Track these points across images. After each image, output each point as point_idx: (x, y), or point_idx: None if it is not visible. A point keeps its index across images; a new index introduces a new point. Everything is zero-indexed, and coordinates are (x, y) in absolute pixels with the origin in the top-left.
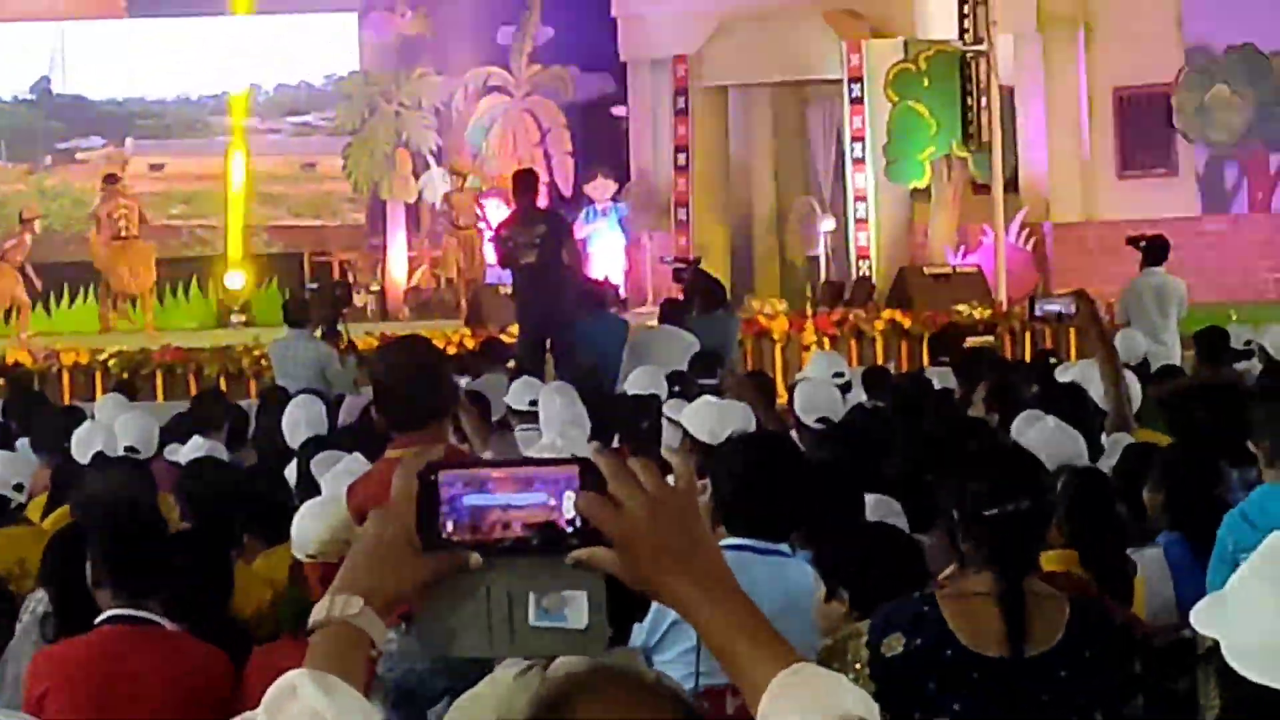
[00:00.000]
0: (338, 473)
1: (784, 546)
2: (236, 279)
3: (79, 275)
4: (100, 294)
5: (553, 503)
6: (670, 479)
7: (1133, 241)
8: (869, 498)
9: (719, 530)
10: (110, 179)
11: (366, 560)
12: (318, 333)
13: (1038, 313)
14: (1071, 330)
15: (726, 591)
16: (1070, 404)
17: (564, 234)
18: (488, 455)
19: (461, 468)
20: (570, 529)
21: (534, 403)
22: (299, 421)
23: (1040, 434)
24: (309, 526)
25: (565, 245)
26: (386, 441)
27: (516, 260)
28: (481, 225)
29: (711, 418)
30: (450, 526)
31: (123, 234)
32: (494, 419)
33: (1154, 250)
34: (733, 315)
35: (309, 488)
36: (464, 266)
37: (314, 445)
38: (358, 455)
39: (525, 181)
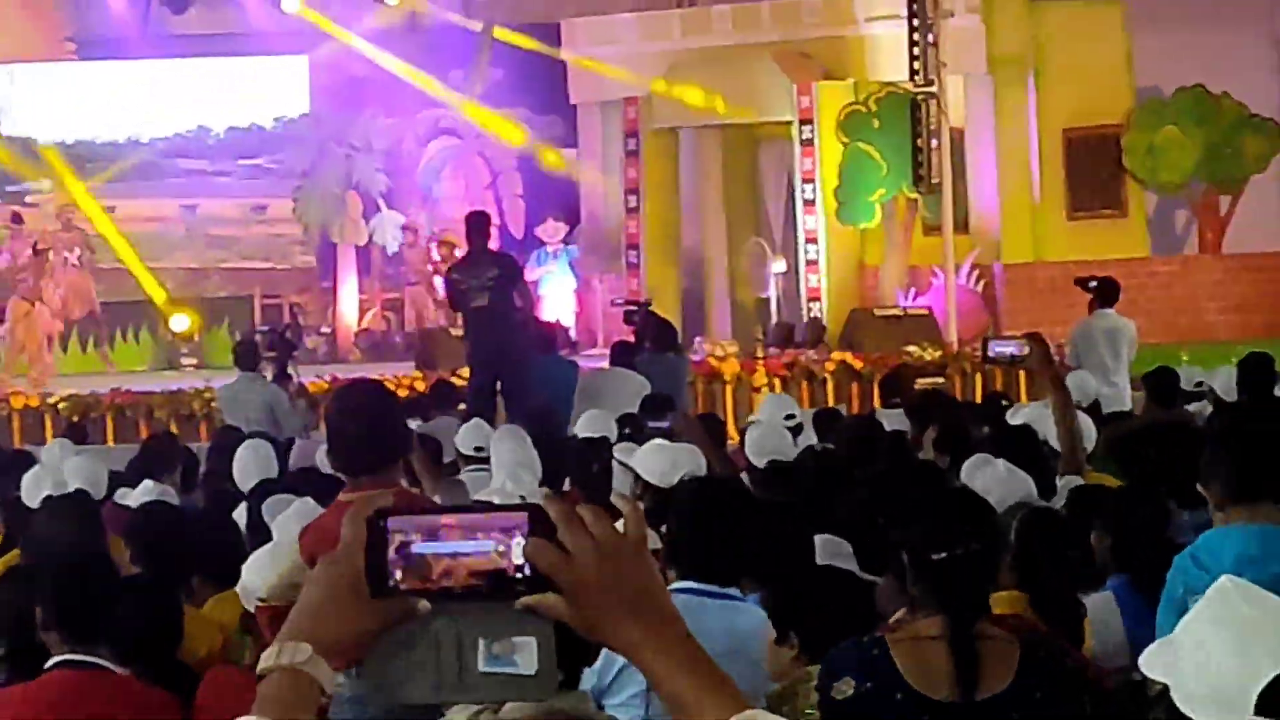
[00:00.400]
0: (288, 516)
1: (734, 590)
2: (181, 322)
3: None
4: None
5: (502, 550)
6: (620, 524)
7: (1081, 283)
8: (818, 539)
9: (670, 574)
10: (15, 219)
11: (315, 606)
12: (268, 375)
13: (990, 354)
14: (1022, 372)
15: (676, 636)
16: (1022, 446)
17: (516, 277)
18: (437, 499)
19: (411, 514)
20: (519, 575)
21: (480, 448)
22: (249, 465)
23: (990, 477)
24: (259, 570)
25: (517, 288)
26: (339, 485)
27: (468, 303)
28: (428, 268)
29: (662, 461)
30: (399, 574)
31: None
32: (446, 461)
33: (1105, 291)
34: (683, 357)
35: (259, 531)
36: (422, 315)
37: (264, 489)
38: (308, 499)
39: (478, 224)
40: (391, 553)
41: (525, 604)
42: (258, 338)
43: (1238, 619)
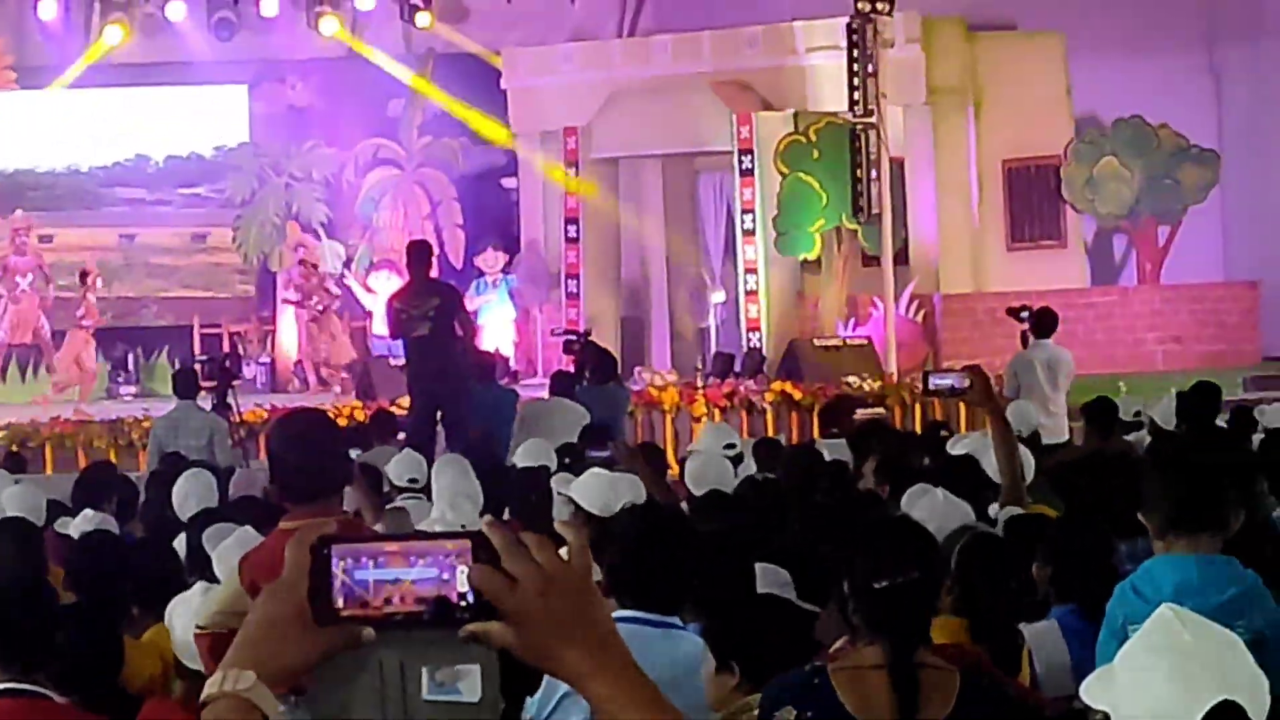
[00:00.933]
0: (228, 546)
1: (675, 619)
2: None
3: None
4: None
5: (445, 576)
6: (563, 552)
7: (1013, 312)
8: (758, 567)
9: (610, 602)
10: None
11: (259, 634)
12: (206, 405)
13: (930, 387)
14: (962, 403)
15: (619, 664)
16: (962, 476)
17: (457, 306)
18: (379, 528)
19: (354, 542)
20: (463, 603)
21: (415, 479)
22: (188, 494)
23: (929, 506)
24: (198, 598)
25: (458, 318)
26: (279, 514)
27: (409, 332)
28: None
29: (602, 490)
30: (342, 601)
31: None
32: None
33: (1042, 322)
34: (623, 387)
35: (199, 561)
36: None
37: (204, 518)
38: (248, 528)
39: (419, 253)
40: (335, 579)
41: (469, 632)
42: (197, 366)
43: (1178, 647)
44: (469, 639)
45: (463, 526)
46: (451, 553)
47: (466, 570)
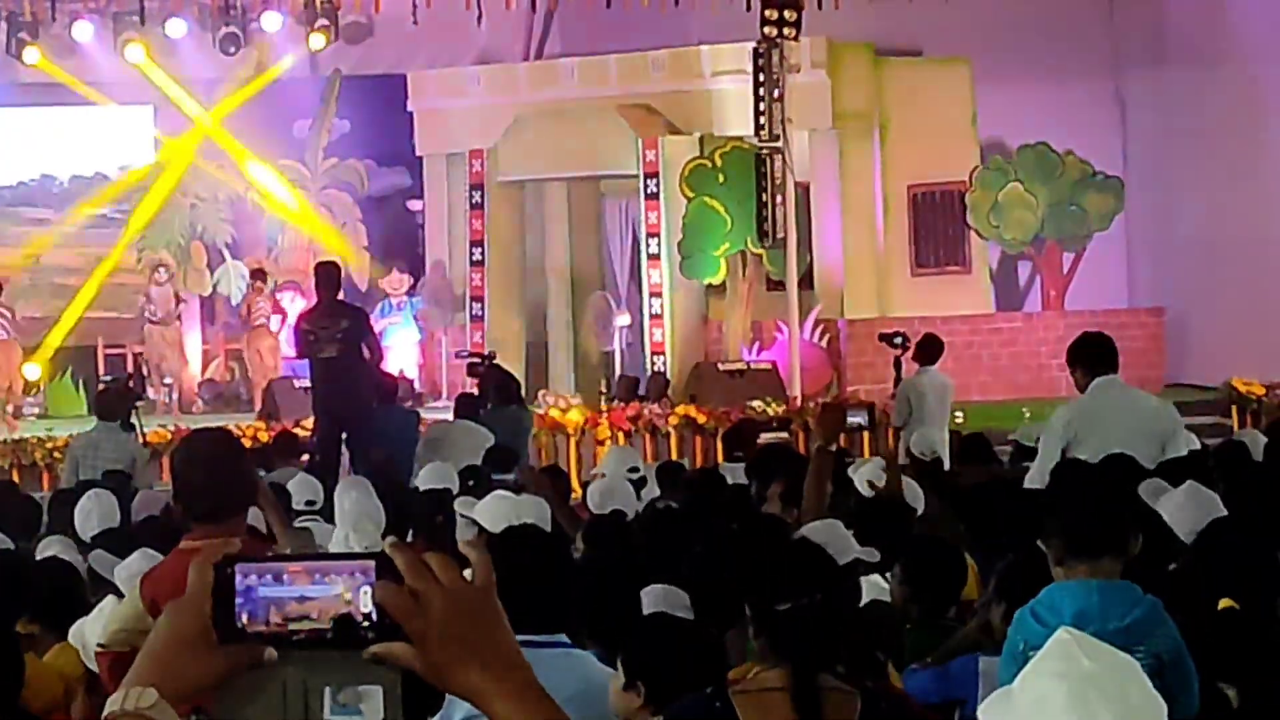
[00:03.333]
0: (129, 564)
1: (563, 637)
2: (32, 370)
3: None
4: None
5: (349, 596)
6: (467, 573)
7: (886, 338)
8: (657, 589)
9: None
10: None
11: (161, 652)
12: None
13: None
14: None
15: (522, 684)
16: (884, 513)
17: (365, 329)
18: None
19: (258, 561)
20: (366, 623)
21: (312, 500)
22: (91, 514)
23: (820, 534)
24: (97, 622)
25: (367, 340)
26: (181, 534)
27: (317, 353)
28: (266, 320)
29: (505, 512)
30: (245, 618)
31: None
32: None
33: (929, 349)
34: (525, 410)
35: (100, 581)
36: (261, 363)
37: (106, 538)
38: (148, 549)
39: (328, 274)
40: (238, 596)
41: (373, 653)
42: (100, 387)
43: (1076, 671)
44: (373, 659)
45: (365, 548)
46: (356, 572)
47: (370, 590)
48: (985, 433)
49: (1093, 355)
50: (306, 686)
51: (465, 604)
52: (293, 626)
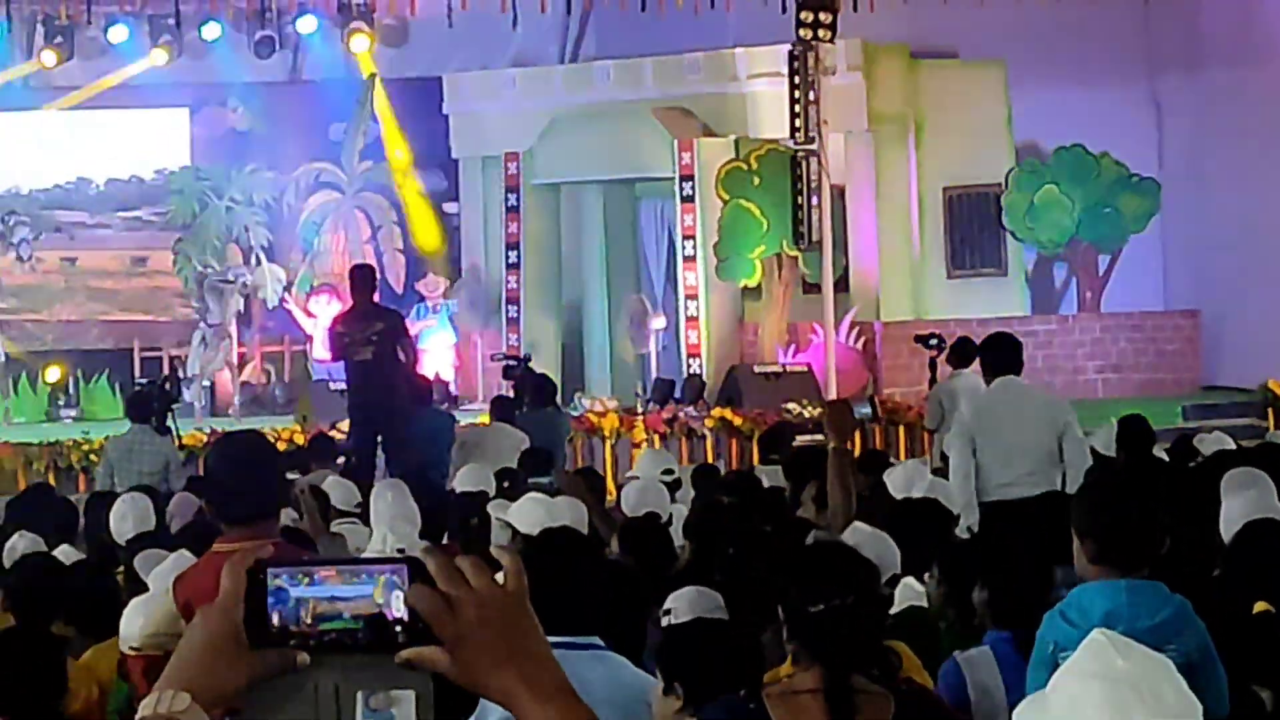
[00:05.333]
0: (165, 568)
1: (596, 639)
2: (51, 372)
3: None
4: None
5: (380, 597)
6: (499, 576)
7: (922, 340)
8: (689, 591)
9: None
10: None
11: (194, 656)
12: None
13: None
14: (901, 428)
15: (556, 689)
16: (921, 516)
17: (401, 331)
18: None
19: (290, 565)
20: (399, 626)
21: (360, 504)
22: (127, 517)
23: (853, 536)
24: (134, 619)
25: (401, 343)
26: (215, 535)
27: (352, 355)
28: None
29: (540, 515)
30: (277, 618)
31: None
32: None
33: (962, 351)
34: (562, 413)
35: (136, 584)
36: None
37: (142, 542)
38: (184, 552)
39: (363, 277)
40: (270, 597)
41: (405, 657)
42: (136, 389)
43: (1111, 672)
44: (405, 664)
45: (400, 551)
46: (388, 575)
47: (403, 594)
48: None
49: (995, 356)
50: (339, 691)
51: (498, 608)
52: (324, 627)
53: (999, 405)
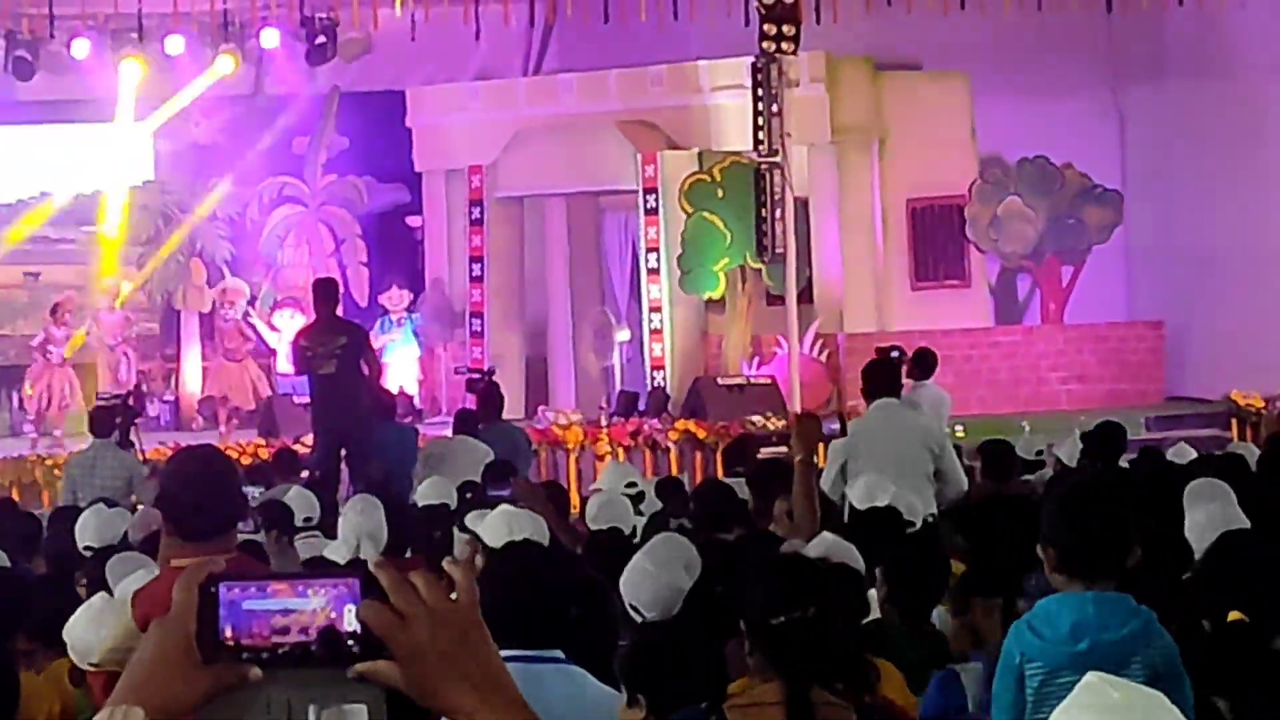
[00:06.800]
0: (130, 583)
1: (558, 653)
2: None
3: None
4: None
5: (333, 612)
6: (452, 590)
7: (882, 353)
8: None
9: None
10: None
11: (146, 670)
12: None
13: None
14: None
15: (508, 703)
16: (877, 524)
17: (364, 345)
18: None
19: (242, 579)
20: (351, 641)
21: (308, 518)
22: (89, 530)
23: (817, 547)
24: (92, 634)
25: (365, 356)
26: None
27: (315, 369)
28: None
29: (505, 527)
30: (229, 631)
31: None
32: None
33: (923, 363)
34: (516, 427)
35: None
36: (231, 393)
37: (104, 555)
38: (152, 566)
39: (326, 291)
40: (222, 609)
41: (358, 671)
42: (100, 404)
43: (1104, 703)
44: (358, 677)
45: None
46: (339, 589)
47: (355, 608)
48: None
49: (874, 379)
50: (291, 705)
51: (450, 622)
52: (277, 640)
53: (878, 428)
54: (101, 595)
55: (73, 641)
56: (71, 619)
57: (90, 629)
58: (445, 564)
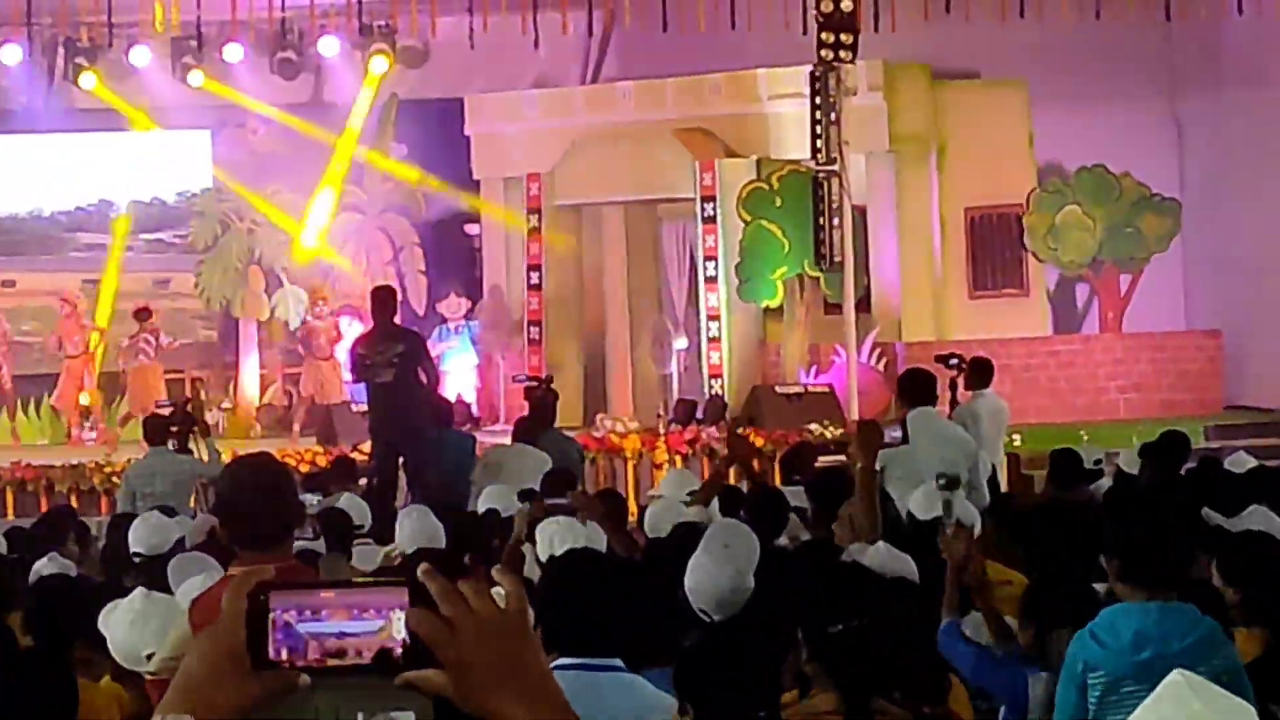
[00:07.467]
0: (191, 585)
1: (617, 661)
2: (84, 396)
3: None
4: None
5: (384, 626)
6: (500, 598)
7: (942, 360)
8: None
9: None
10: None
11: (197, 678)
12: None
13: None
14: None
15: (555, 711)
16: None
17: (421, 353)
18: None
19: (290, 588)
20: (400, 649)
21: (359, 525)
22: (145, 537)
23: (873, 558)
24: (135, 634)
25: (422, 364)
26: (231, 558)
27: (373, 377)
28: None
29: (561, 537)
30: (285, 653)
31: None
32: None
33: (980, 372)
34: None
35: None
36: (318, 391)
37: (155, 562)
38: (216, 570)
39: (384, 299)
40: (278, 633)
41: (406, 679)
42: (160, 412)
43: (1185, 714)
44: (405, 685)
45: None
46: (389, 600)
47: (403, 616)
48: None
49: (910, 390)
50: (339, 712)
51: (498, 630)
52: (333, 663)
53: (914, 435)
54: (141, 593)
55: (114, 641)
56: (111, 618)
57: (133, 630)
58: (494, 572)
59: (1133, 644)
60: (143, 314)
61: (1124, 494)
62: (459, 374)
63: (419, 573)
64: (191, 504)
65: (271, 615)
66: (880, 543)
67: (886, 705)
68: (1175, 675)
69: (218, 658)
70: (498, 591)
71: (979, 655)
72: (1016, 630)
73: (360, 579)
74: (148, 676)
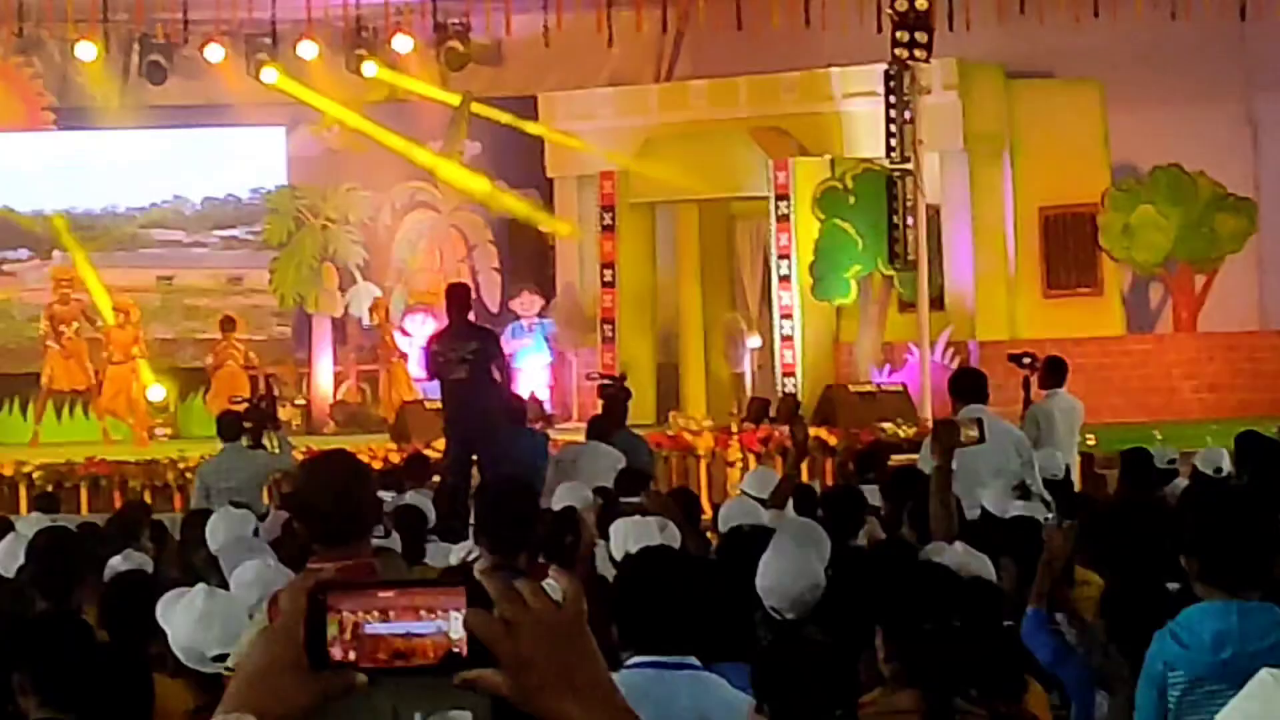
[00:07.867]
0: (243, 573)
1: (693, 659)
2: (157, 392)
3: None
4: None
5: (444, 627)
6: (558, 598)
7: (1015, 359)
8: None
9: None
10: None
11: (256, 677)
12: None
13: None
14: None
15: (614, 712)
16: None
17: (495, 351)
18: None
19: (348, 588)
20: (457, 649)
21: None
22: (220, 532)
23: (950, 557)
24: (200, 633)
25: (496, 362)
26: (309, 554)
27: (447, 375)
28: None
29: (634, 535)
30: (353, 655)
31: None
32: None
33: (1056, 371)
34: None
35: None
36: (391, 390)
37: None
38: (270, 561)
39: (459, 296)
40: (346, 634)
41: (464, 679)
42: (233, 408)
43: (1275, 714)
44: (464, 685)
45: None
46: (447, 600)
47: (460, 616)
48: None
49: (963, 388)
50: (397, 711)
51: (556, 631)
52: (399, 664)
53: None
54: (202, 590)
55: (175, 639)
56: (173, 615)
57: (197, 629)
58: (552, 572)
59: (1213, 644)
60: (228, 324)
61: (1204, 492)
62: (533, 372)
63: (476, 572)
64: (265, 499)
65: (339, 616)
66: (958, 542)
67: (965, 705)
68: (1264, 674)
69: (277, 657)
70: (552, 585)
71: (1059, 648)
72: (1099, 631)
73: (417, 579)
74: (225, 672)
